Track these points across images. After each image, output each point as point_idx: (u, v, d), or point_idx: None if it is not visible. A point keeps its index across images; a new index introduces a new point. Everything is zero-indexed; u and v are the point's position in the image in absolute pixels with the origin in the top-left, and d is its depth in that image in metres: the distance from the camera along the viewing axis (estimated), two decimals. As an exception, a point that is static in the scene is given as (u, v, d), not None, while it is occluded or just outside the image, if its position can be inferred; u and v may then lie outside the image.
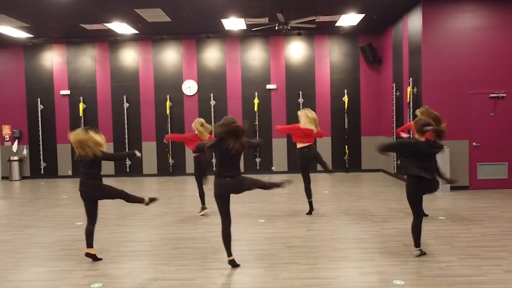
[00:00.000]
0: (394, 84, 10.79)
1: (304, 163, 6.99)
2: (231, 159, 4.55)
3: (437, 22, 8.93)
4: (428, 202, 7.56)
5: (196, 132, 6.92)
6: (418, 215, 4.84)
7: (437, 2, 8.87)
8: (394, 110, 10.70)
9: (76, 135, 4.93)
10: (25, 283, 4.45)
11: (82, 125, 12.22)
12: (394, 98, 10.72)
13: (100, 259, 5.01)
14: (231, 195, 4.69)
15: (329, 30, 11.58)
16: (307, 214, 7.05)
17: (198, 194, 7.21)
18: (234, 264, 4.67)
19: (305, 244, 5.44)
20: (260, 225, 6.51)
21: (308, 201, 7.08)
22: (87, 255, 4.98)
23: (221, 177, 4.56)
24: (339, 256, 4.95)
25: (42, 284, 4.39)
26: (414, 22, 9.38)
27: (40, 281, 4.47)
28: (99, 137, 5.03)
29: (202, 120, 7.07)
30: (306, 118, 6.99)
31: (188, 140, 7.21)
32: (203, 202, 7.22)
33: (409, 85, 9.54)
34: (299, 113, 7.22)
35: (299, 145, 6.99)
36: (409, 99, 9.54)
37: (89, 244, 4.99)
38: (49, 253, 5.42)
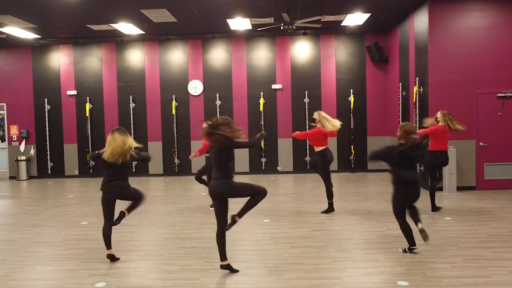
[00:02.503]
0: (400, 83, 10.73)
1: (328, 164, 7.06)
2: (215, 160, 4.47)
3: (444, 21, 8.86)
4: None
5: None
6: (401, 216, 4.98)
7: (444, 1, 8.81)
8: (400, 110, 10.64)
9: (118, 147, 4.76)
10: (31, 281, 4.48)
11: (89, 125, 12.32)
12: (400, 98, 10.67)
13: (118, 258, 5.01)
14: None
15: (335, 29, 11.54)
16: (322, 212, 7.10)
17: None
18: (229, 269, 4.49)
19: (309, 245, 5.43)
20: (265, 225, 6.51)
21: (329, 202, 7.12)
22: (109, 256, 4.95)
23: (212, 178, 4.52)
24: (344, 257, 4.93)
25: (48, 283, 4.43)
26: (420, 21, 9.32)
27: (46, 280, 4.51)
28: (131, 140, 4.90)
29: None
30: (329, 122, 6.97)
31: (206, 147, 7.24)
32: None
33: (415, 85, 9.49)
34: (317, 116, 7.07)
35: (320, 148, 7.00)
36: (415, 98, 9.48)
37: (109, 245, 4.95)
38: (55, 252, 5.46)
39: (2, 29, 10.29)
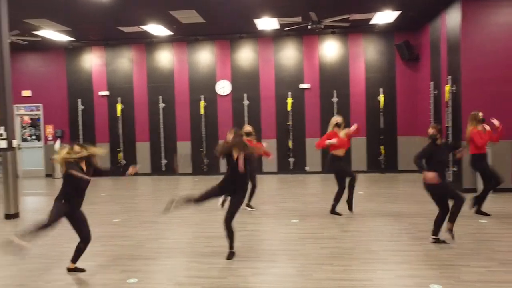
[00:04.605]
0: (432, 82, 10.48)
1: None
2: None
3: (477, 18, 8.60)
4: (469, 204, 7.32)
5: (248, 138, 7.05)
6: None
7: (478, -3, 8.56)
8: (432, 109, 10.39)
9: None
10: (67, 276, 4.62)
11: (120, 125, 12.60)
12: (432, 97, 10.42)
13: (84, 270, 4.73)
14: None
15: (364, 28, 11.39)
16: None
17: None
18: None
19: (338, 245, 5.37)
20: (293, 225, 6.49)
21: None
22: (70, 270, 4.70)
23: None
24: (374, 258, 4.86)
25: (82, 277, 4.56)
26: (452, 18, 9.08)
27: (81, 275, 4.64)
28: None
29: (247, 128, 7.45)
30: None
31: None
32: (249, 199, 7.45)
33: (448, 84, 9.24)
34: (334, 121, 7.04)
35: (341, 153, 6.93)
36: (448, 98, 9.23)
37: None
38: (89, 248, 5.57)
39: (38, 32, 10.66)
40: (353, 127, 7.02)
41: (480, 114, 6.74)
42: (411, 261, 4.73)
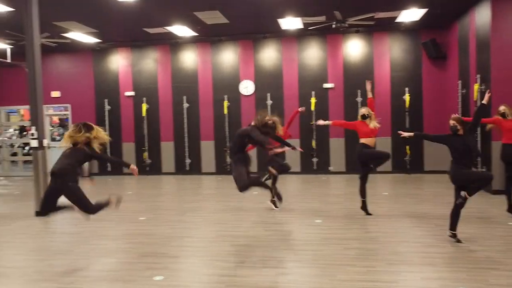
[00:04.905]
0: (460, 81, 10.25)
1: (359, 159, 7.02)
2: None
3: (507, 16, 8.37)
4: (498, 206, 7.15)
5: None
6: None
7: (508, -7, 8.32)
8: (460, 108, 10.16)
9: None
10: (94, 272, 4.75)
11: (145, 125, 12.82)
12: (460, 96, 10.19)
13: None
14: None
15: (389, 26, 11.23)
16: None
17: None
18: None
19: (362, 246, 5.33)
20: (317, 225, 6.47)
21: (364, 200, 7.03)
22: None
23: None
24: (399, 260, 4.80)
25: (109, 274, 4.67)
26: (482, 15, 8.86)
27: (108, 271, 4.76)
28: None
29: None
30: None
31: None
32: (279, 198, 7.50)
33: (476, 82, 9.03)
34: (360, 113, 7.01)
35: (368, 142, 6.91)
36: (476, 97, 9.02)
37: None
38: (115, 245, 5.75)
39: (67, 35, 10.96)
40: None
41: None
42: (437, 263, 4.65)
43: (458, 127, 5.32)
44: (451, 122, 5.37)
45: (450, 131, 5.38)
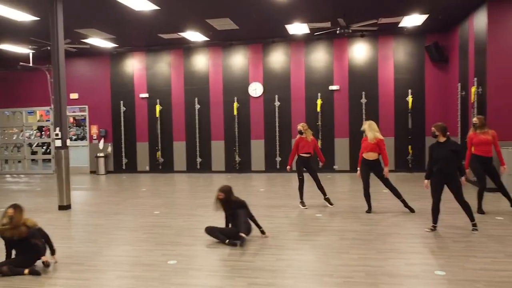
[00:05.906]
0: (459, 84, 10.66)
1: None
2: None
3: (504, 21, 8.78)
4: (490, 202, 7.57)
5: (303, 136, 7.78)
6: None
7: (504, 0, 8.72)
8: (460, 110, 10.58)
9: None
10: (116, 257, 5.35)
11: (159, 125, 13.46)
12: (459, 98, 10.60)
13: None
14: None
15: (393, 31, 11.67)
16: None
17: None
18: None
19: (358, 237, 5.84)
20: (317, 219, 6.99)
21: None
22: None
23: None
24: (388, 249, 5.31)
25: (130, 258, 5.27)
26: (479, 21, 9.27)
27: (128, 256, 5.36)
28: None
29: (304, 124, 8.01)
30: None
31: (296, 149, 7.99)
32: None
33: (474, 85, 9.44)
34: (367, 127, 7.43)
35: (367, 156, 7.38)
36: (474, 99, 9.43)
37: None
38: (134, 235, 6.35)
39: (87, 40, 11.63)
40: None
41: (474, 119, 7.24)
42: (423, 252, 5.15)
43: (436, 133, 5.80)
44: (432, 128, 5.90)
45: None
